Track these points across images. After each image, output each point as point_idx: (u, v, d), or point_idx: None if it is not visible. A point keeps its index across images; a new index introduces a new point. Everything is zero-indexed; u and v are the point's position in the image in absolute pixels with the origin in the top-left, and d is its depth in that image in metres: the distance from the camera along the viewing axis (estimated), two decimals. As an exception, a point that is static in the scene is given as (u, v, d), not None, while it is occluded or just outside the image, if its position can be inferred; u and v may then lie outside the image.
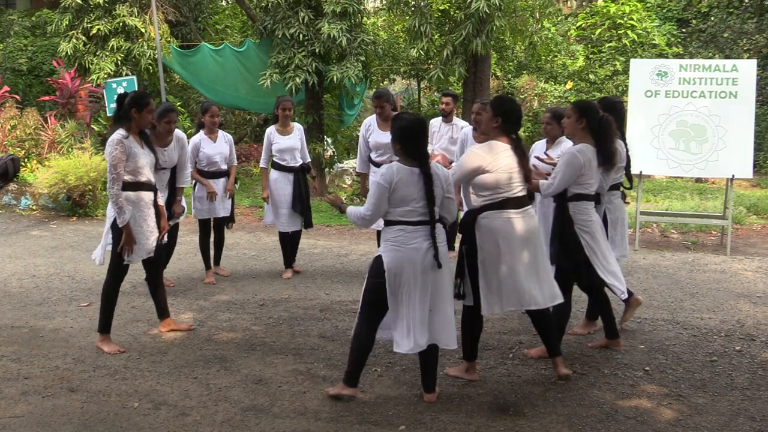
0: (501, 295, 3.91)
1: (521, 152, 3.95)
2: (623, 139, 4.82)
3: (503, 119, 3.99)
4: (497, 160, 3.89)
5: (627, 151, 4.81)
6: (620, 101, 4.97)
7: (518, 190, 3.96)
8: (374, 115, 6.29)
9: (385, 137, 5.81)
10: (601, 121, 4.32)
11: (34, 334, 4.96)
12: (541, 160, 4.93)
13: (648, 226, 9.12)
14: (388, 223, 3.72)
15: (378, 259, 3.71)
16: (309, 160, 6.73)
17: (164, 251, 5.35)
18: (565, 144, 5.05)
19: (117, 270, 4.64)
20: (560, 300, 4.07)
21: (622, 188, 4.93)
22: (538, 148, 5.42)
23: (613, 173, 4.64)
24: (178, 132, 5.58)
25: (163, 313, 4.98)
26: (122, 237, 4.45)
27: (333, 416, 3.67)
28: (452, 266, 3.94)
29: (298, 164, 6.49)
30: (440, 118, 7.33)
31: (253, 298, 5.88)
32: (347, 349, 4.61)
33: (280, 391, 3.99)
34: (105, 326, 4.67)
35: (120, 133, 4.48)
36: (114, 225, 4.50)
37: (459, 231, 4.04)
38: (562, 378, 4.11)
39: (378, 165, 6.13)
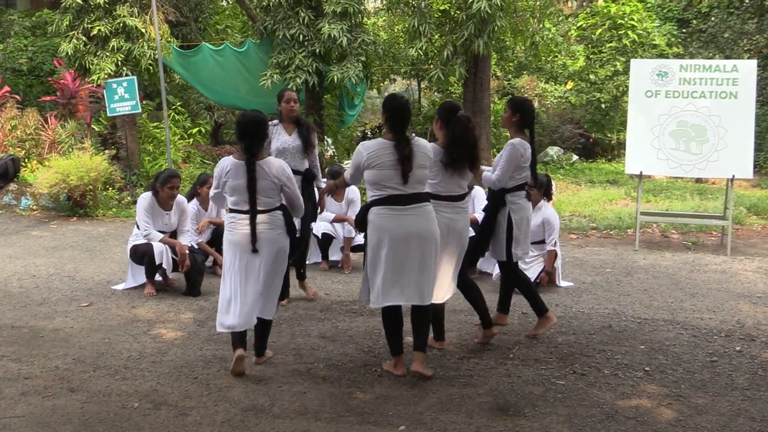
0: (382, 289, 4.01)
1: (404, 151, 3.96)
2: (532, 137, 4.80)
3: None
4: (378, 157, 3.99)
5: (533, 150, 4.77)
6: (529, 101, 4.98)
7: (402, 187, 3.99)
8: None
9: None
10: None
11: (34, 334, 4.97)
12: None
13: (648, 226, 9.12)
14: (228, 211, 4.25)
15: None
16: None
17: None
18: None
19: None
20: (438, 301, 4.20)
21: (527, 187, 4.89)
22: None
23: (516, 173, 4.66)
24: (179, 197, 6.09)
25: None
26: None
27: (333, 416, 3.67)
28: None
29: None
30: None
31: (254, 298, 5.87)
32: (347, 349, 4.63)
33: (280, 391, 3.99)
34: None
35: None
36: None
37: (355, 225, 4.28)
38: (414, 372, 4.09)
39: None
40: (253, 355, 4.38)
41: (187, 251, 5.89)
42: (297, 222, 4.37)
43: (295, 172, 5.74)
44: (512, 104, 4.78)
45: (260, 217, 4.07)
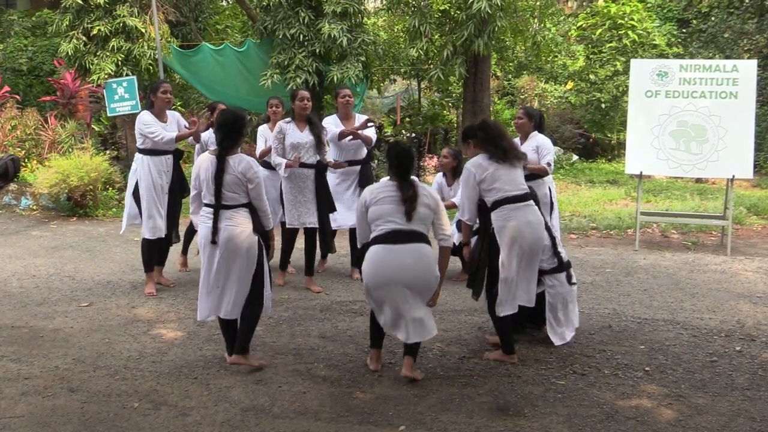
0: (379, 316, 4.09)
1: (408, 192, 4.04)
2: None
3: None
4: (381, 193, 4.09)
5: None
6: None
7: (404, 223, 4.02)
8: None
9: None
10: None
11: (34, 334, 4.97)
12: None
13: (648, 226, 9.12)
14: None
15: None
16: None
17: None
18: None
19: None
20: (428, 336, 4.10)
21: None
22: None
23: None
24: (171, 112, 6.07)
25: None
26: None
27: (333, 416, 3.68)
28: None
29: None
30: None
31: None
32: (347, 349, 4.63)
33: (280, 391, 3.99)
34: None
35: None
36: None
37: (353, 263, 4.33)
38: (403, 376, 4.10)
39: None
40: (257, 356, 4.37)
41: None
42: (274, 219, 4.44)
43: (309, 166, 6.02)
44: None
45: (225, 213, 4.17)
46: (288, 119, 6.07)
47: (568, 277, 4.65)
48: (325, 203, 6.06)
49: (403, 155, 4.18)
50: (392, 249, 3.98)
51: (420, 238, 4.05)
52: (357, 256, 4.26)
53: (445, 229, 4.18)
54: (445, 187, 6.57)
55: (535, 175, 5.85)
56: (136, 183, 5.91)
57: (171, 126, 5.97)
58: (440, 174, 6.73)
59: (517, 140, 6.08)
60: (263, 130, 6.48)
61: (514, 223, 4.28)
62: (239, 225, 4.18)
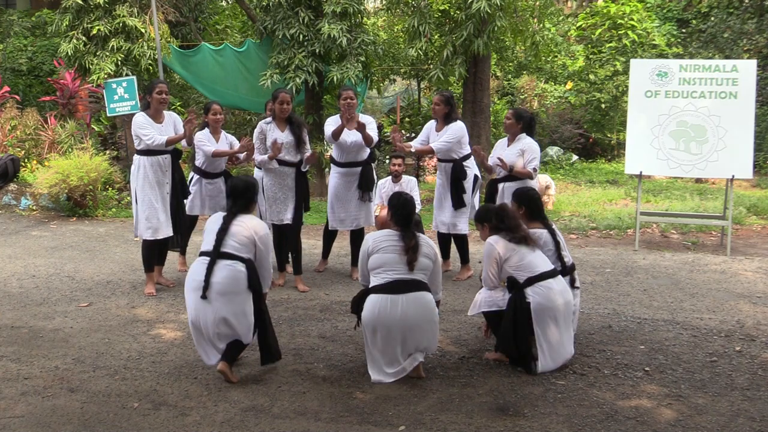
0: (374, 364, 4.13)
1: (411, 242, 4.13)
2: (546, 223, 4.79)
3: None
4: (383, 242, 4.16)
5: (554, 233, 4.74)
6: (532, 189, 5.07)
7: (406, 273, 4.08)
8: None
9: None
10: None
11: (34, 334, 4.96)
12: (500, 159, 5.92)
13: (648, 226, 9.12)
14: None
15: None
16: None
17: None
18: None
19: None
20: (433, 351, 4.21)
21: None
22: (500, 145, 6.24)
23: None
24: (168, 112, 6.01)
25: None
26: None
27: (333, 416, 3.68)
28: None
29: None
30: (389, 177, 7.51)
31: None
32: (347, 350, 4.63)
33: (280, 391, 3.99)
34: None
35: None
36: None
37: (351, 309, 4.36)
38: (410, 375, 4.14)
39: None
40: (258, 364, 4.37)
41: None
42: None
43: (289, 164, 6.13)
44: (516, 198, 4.85)
45: (221, 263, 4.04)
46: (269, 119, 6.19)
47: (572, 281, 4.63)
48: (301, 203, 6.22)
49: (406, 205, 4.28)
50: (394, 298, 4.04)
51: (421, 286, 4.12)
52: (356, 302, 4.24)
53: (437, 290, 4.30)
54: (433, 132, 6.43)
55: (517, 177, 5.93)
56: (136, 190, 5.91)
57: (167, 127, 5.93)
58: (431, 121, 6.57)
59: (504, 141, 6.26)
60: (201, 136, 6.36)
61: (548, 294, 4.28)
62: (235, 279, 4.03)
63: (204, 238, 4.22)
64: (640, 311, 5.55)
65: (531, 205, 4.75)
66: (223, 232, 4.10)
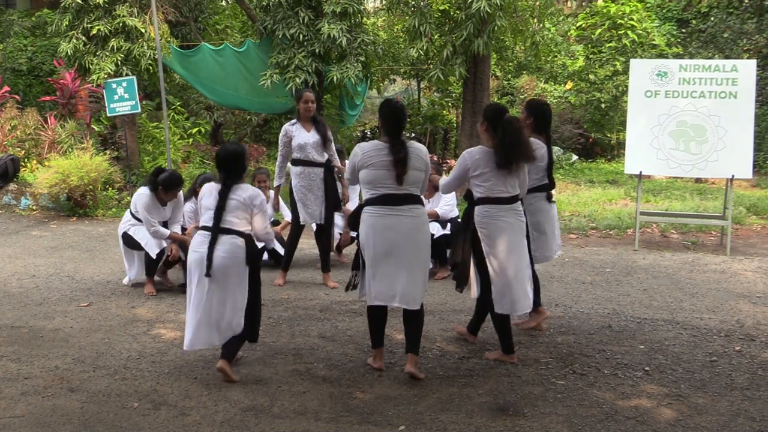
0: (371, 288, 4.09)
1: (399, 154, 4.02)
2: (548, 140, 4.85)
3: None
4: (372, 157, 4.05)
5: (550, 151, 4.84)
6: (547, 105, 5.03)
7: (396, 187, 4.03)
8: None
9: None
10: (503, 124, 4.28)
11: (34, 334, 4.97)
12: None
13: (648, 226, 9.12)
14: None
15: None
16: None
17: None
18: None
19: None
20: (415, 307, 4.10)
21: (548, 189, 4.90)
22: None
23: (533, 174, 4.67)
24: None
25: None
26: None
27: (333, 416, 3.68)
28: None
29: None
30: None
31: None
32: (347, 350, 4.63)
33: (280, 391, 3.99)
34: None
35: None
36: None
37: (348, 223, 4.26)
38: (407, 373, 4.12)
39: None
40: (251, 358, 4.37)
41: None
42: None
43: (317, 164, 6.13)
44: (528, 107, 4.90)
45: (222, 238, 4.06)
46: (293, 121, 6.18)
47: (549, 197, 4.87)
48: (331, 201, 6.20)
49: (397, 111, 4.13)
50: (386, 212, 4.03)
51: (413, 199, 4.09)
52: (350, 217, 4.25)
53: (423, 190, 4.23)
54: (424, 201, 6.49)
55: None
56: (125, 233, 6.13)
57: (168, 209, 6.09)
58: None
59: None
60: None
61: (497, 222, 4.28)
62: (233, 255, 4.07)
63: (202, 211, 4.22)
64: (640, 311, 5.56)
65: (540, 118, 4.76)
66: (220, 210, 4.10)
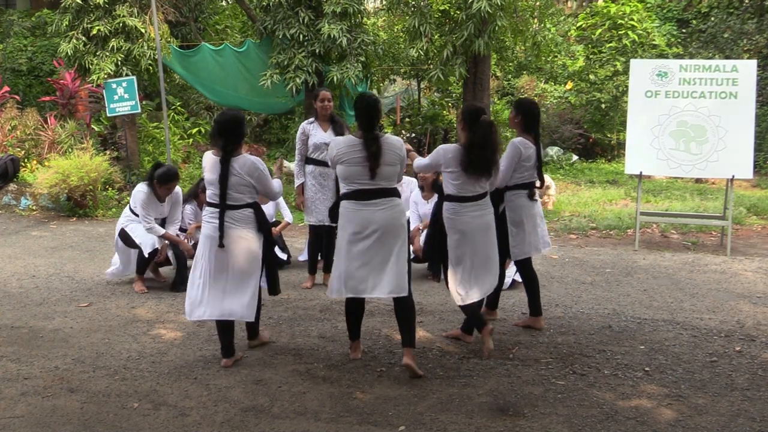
0: (342, 281, 4.17)
1: (372, 148, 4.07)
2: (537, 139, 4.85)
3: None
4: (345, 154, 4.11)
5: (539, 150, 4.85)
6: (534, 103, 5.05)
7: (369, 182, 4.09)
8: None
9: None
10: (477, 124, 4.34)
11: (34, 334, 4.96)
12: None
13: (648, 226, 9.11)
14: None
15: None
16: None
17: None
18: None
19: None
20: (402, 293, 4.14)
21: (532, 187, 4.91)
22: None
23: (518, 172, 4.75)
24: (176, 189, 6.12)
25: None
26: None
27: (333, 416, 3.67)
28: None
29: None
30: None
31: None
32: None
33: (280, 391, 3.99)
34: None
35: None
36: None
37: (329, 215, 4.50)
38: (404, 365, 4.15)
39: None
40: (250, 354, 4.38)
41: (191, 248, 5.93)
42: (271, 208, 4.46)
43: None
44: (516, 105, 4.94)
45: (229, 213, 4.19)
46: (311, 120, 6.15)
47: (530, 195, 4.88)
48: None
49: (370, 106, 4.17)
50: (360, 207, 4.11)
51: (387, 193, 4.15)
52: (330, 210, 4.39)
53: (399, 178, 4.32)
54: (421, 203, 6.48)
55: None
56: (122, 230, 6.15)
57: (166, 206, 6.11)
58: (417, 189, 6.58)
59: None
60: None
61: (462, 218, 4.39)
62: (245, 226, 4.23)
63: (207, 186, 4.31)
64: (640, 311, 5.55)
65: (528, 115, 4.78)
66: (224, 185, 4.16)
